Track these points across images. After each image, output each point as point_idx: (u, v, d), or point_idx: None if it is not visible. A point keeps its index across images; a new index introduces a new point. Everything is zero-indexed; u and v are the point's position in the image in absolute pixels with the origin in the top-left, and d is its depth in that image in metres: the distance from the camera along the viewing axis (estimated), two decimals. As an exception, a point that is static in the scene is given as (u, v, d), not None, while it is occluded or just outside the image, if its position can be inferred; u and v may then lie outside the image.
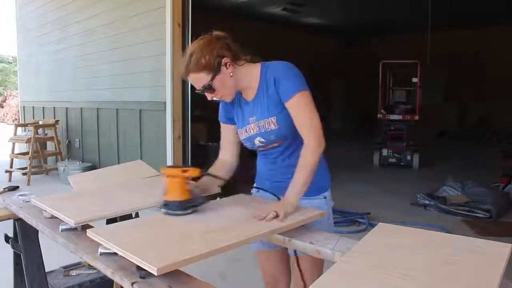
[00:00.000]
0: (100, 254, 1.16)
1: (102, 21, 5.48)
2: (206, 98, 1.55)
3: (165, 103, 4.41)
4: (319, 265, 1.59)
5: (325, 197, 1.63)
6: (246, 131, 1.61)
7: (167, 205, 1.39)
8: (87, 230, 1.24)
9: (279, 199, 1.52)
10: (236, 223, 1.31)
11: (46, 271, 1.73)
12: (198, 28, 4.55)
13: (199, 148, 5.30)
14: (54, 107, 6.80)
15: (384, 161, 7.12)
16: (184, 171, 1.39)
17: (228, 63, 1.48)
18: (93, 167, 5.65)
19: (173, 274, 1.04)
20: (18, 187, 1.96)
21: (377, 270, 0.98)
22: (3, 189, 1.90)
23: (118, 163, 5.15)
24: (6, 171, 6.05)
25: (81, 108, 6.13)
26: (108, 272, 1.10)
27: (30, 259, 1.66)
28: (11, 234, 1.72)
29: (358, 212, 4.28)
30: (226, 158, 1.70)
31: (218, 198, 1.68)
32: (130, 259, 1.05)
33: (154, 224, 1.32)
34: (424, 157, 7.13)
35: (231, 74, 1.49)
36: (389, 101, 8.05)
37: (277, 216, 1.33)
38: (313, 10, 9.26)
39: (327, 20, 10.51)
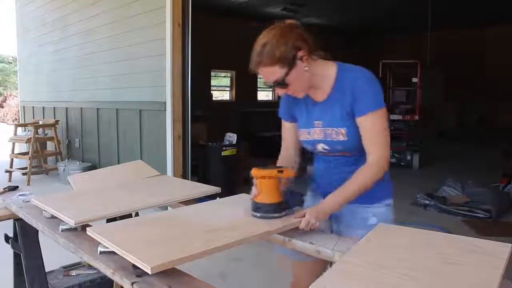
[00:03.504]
0: (100, 253, 1.16)
1: (102, 21, 5.48)
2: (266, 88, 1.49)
3: (165, 103, 4.41)
4: None
5: (387, 205, 1.53)
6: (308, 134, 1.51)
7: (259, 207, 1.34)
8: (86, 228, 1.24)
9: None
10: (234, 223, 1.30)
11: (46, 271, 1.73)
12: (198, 28, 4.57)
13: (199, 148, 5.29)
14: (54, 107, 6.80)
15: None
16: (280, 172, 1.34)
17: (304, 57, 1.35)
18: (93, 167, 5.65)
19: (173, 274, 1.04)
20: (18, 187, 1.95)
21: (377, 270, 0.97)
22: (3, 189, 1.90)
23: (118, 163, 5.15)
24: (6, 171, 6.05)
25: (81, 108, 6.13)
26: (108, 272, 1.10)
27: (30, 259, 1.66)
28: (11, 234, 1.72)
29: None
30: (289, 154, 1.60)
31: (217, 198, 1.68)
32: (126, 257, 1.05)
33: (153, 223, 1.32)
34: (424, 157, 7.12)
35: (306, 69, 1.36)
36: (389, 101, 8.05)
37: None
38: (313, 10, 9.26)
39: (327, 20, 10.50)
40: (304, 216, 1.31)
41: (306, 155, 1.63)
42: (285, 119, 1.60)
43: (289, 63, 1.32)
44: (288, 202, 1.36)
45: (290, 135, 1.60)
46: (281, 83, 1.36)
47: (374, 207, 1.49)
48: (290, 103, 1.55)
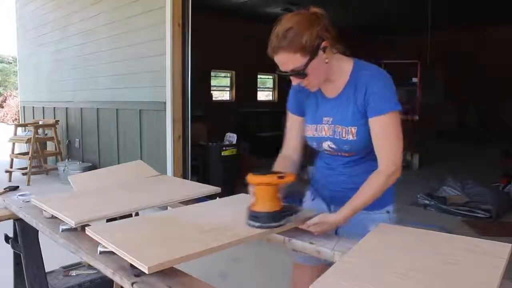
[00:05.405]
0: (100, 253, 1.16)
1: (102, 21, 5.48)
2: (282, 80, 1.44)
3: (165, 103, 4.41)
4: None
5: (388, 212, 1.46)
6: (316, 130, 1.44)
7: (257, 217, 1.21)
8: (86, 228, 1.24)
9: (330, 211, 1.44)
10: (234, 223, 1.30)
11: (46, 271, 1.73)
12: (198, 28, 4.57)
13: (199, 148, 5.29)
14: (54, 107, 6.80)
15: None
16: (281, 177, 1.20)
17: (327, 48, 1.29)
18: (93, 167, 5.65)
19: (173, 274, 1.04)
20: (18, 187, 1.96)
21: (377, 270, 0.97)
22: (3, 189, 1.90)
23: (118, 163, 5.15)
24: (6, 171, 6.05)
25: (81, 108, 6.13)
26: (109, 272, 1.10)
27: (30, 259, 1.66)
28: (11, 234, 1.72)
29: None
30: (290, 155, 1.53)
31: (217, 198, 1.68)
32: (123, 257, 1.05)
33: (153, 223, 1.32)
34: (424, 157, 7.12)
35: (327, 61, 1.31)
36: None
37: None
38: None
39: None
40: (313, 224, 1.27)
41: (308, 154, 1.57)
42: (293, 112, 1.53)
43: (312, 52, 1.26)
44: (289, 209, 1.28)
45: (295, 132, 1.53)
46: (300, 73, 1.29)
47: (374, 213, 1.42)
48: (300, 96, 1.49)
